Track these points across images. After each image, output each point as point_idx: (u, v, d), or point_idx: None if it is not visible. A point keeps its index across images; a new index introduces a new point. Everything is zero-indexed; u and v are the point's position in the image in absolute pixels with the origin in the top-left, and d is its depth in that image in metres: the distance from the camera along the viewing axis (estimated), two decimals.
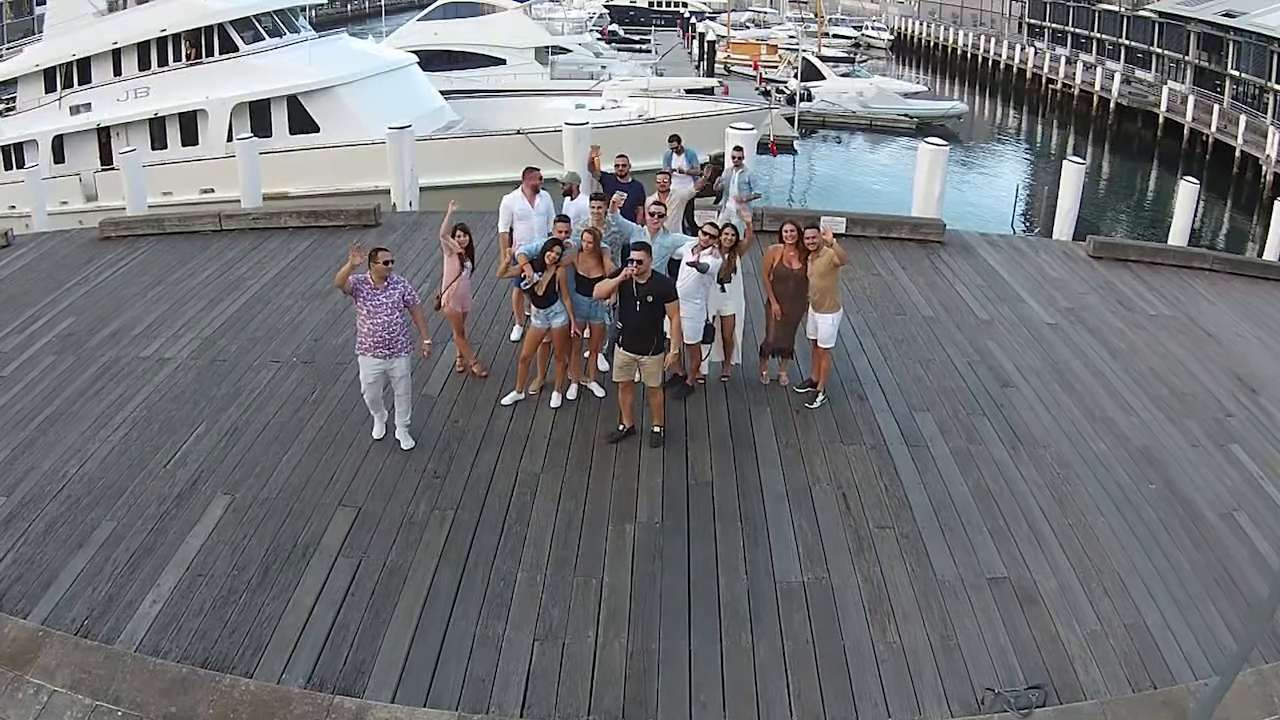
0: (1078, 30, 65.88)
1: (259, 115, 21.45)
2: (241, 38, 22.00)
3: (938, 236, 13.98)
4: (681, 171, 11.70)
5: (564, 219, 8.68)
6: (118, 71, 22.14)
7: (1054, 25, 69.34)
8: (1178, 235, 16.13)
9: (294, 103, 21.44)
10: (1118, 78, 46.93)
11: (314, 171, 20.51)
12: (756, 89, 41.98)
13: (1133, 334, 11.09)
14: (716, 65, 47.60)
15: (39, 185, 18.33)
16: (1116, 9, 60.21)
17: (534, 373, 8.93)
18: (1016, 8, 78.55)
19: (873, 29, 75.76)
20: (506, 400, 8.84)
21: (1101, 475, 8.07)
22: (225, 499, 7.51)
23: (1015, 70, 59.01)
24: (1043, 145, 43.92)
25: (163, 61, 21.82)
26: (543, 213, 9.62)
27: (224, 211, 15.07)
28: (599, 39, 48.78)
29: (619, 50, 55.86)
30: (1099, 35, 62.60)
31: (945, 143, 15.19)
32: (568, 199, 9.84)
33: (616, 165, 10.37)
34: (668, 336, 7.80)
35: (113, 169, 21.09)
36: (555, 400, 8.81)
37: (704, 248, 8.25)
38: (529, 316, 10.06)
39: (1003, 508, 7.55)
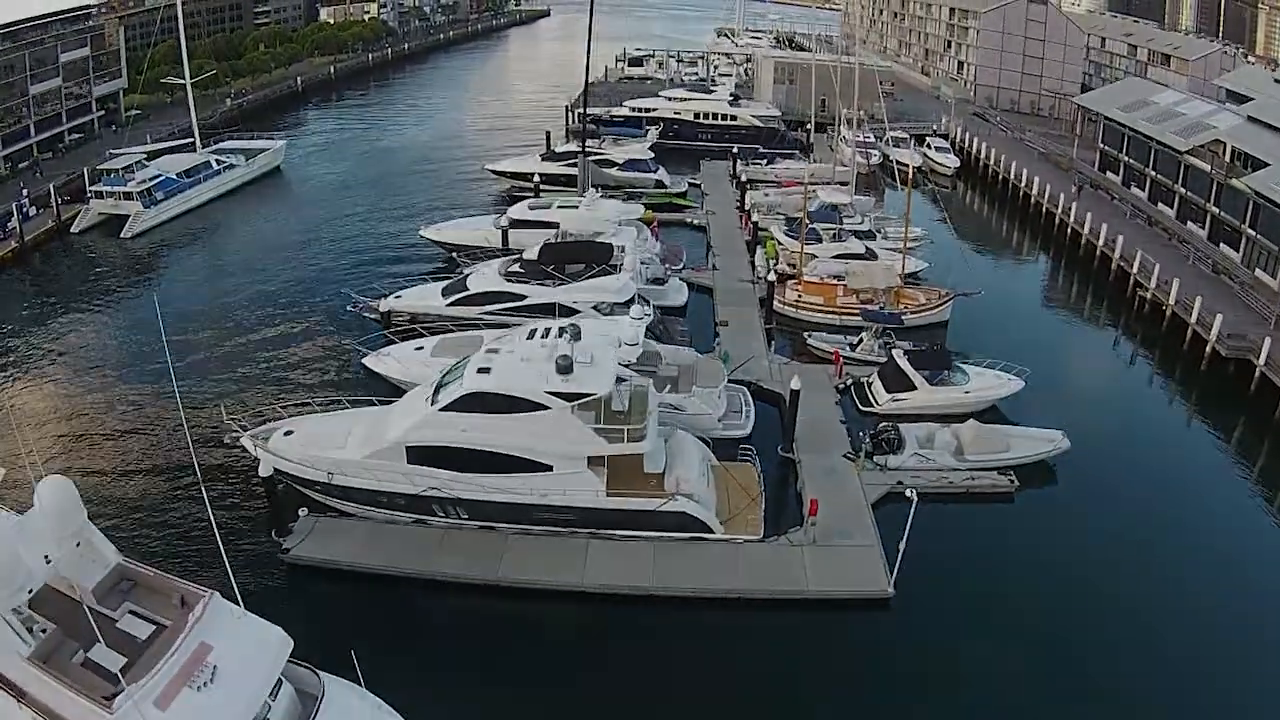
0: (1158, 175, 61.91)
1: None
2: None
3: None
4: None
5: None
6: None
7: (1131, 160, 65.20)
8: None
9: None
10: (1219, 320, 43.84)
11: None
12: (836, 386, 38.71)
13: None
14: (784, 306, 43.58)
15: None
16: (1207, 169, 56.16)
17: None
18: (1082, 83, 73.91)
19: (935, 148, 71.01)
20: None
21: None
22: None
23: (1099, 253, 54.94)
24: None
25: None
26: None
27: None
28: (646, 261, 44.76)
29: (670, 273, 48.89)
30: (1182, 190, 58.76)
31: None
32: None
33: None
34: None
35: None
36: None
37: None
38: None
39: None
